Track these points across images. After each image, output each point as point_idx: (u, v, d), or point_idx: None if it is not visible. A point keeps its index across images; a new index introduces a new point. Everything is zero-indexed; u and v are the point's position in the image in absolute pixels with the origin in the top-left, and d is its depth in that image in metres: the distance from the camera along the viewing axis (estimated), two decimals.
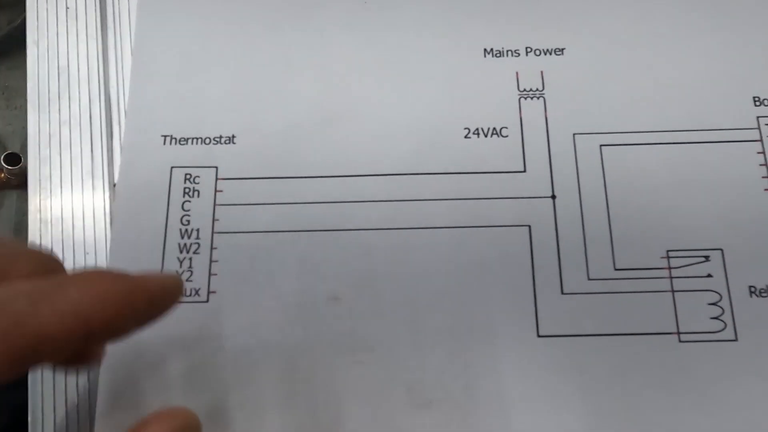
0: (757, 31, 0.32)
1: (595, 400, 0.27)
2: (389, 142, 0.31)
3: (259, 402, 0.28)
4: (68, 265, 0.30)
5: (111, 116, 0.32)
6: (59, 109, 0.32)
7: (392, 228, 0.30)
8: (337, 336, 0.28)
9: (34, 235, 0.30)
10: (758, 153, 0.30)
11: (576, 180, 0.30)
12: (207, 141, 0.31)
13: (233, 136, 0.31)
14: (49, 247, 0.30)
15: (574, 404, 0.27)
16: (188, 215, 0.30)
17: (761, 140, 0.30)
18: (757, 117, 0.31)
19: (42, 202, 0.31)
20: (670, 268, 0.29)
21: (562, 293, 0.29)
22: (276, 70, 0.32)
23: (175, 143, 0.31)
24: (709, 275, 0.29)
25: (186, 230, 0.30)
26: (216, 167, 0.31)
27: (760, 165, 0.30)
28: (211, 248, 0.30)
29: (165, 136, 0.32)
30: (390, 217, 0.30)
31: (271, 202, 0.30)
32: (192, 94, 0.32)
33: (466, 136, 0.31)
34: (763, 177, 0.30)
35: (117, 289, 0.20)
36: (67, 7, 0.34)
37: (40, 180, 0.31)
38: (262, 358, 0.28)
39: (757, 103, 0.31)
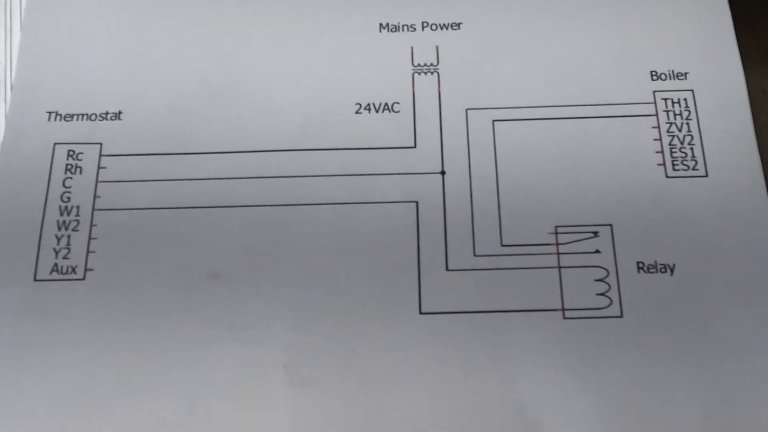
0: (654, 4, 0.31)
1: (475, 378, 0.26)
2: (277, 117, 0.30)
3: (135, 381, 0.27)
4: None
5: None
6: None
7: (276, 204, 0.29)
8: (216, 313, 0.28)
9: None
10: (653, 128, 0.30)
11: (467, 156, 0.29)
12: (93, 117, 0.31)
13: (120, 112, 0.31)
14: None
15: (455, 382, 0.26)
16: (69, 192, 0.29)
17: (656, 115, 0.30)
18: (654, 91, 0.30)
19: None
20: (557, 244, 0.28)
21: (447, 270, 0.28)
22: (164, 45, 0.32)
23: (60, 119, 0.31)
24: (597, 251, 0.28)
25: (66, 207, 0.29)
26: (100, 144, 0.30)
27: (654, 140, 0.29)
28: (91, 225, 0.29)
29: (50, 113, 0.31)
30: (274, 193, 0.29)
31: (154, 178, 0.30)
32: (79, 70, 0.31)
33: (357, 112, 0.30)
34: (656, 152, 0.29)
35: None
36: None
37: None
38: (140, 335, 0.27)
39: (654, 78, 0.30)
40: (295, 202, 0.29)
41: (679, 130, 0.30)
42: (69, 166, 0.30)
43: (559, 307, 0.27)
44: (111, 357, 0.27)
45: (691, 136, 0.29)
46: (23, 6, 0.33)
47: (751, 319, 0.27)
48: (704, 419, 0.26)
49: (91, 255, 0.29)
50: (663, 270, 0.27)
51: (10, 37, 0.33)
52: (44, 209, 0.29)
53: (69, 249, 0.29)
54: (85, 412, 0.27)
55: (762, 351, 0.26)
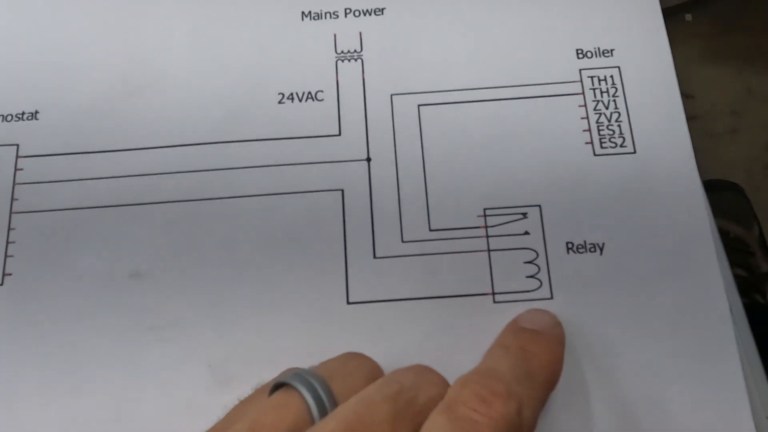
0: None
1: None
2: (199, 111, 0.30)
3: (58, 385, 0.26)
4: None
5: None
6: None
7: (199, 199, 0.28)
8: (139, 313, 0.27)
9: None
10: (580, 106, 0.29)
11: (393, 142, 0.29)
12: (9, 118, 0.30)
13: (36, 112, 0.30)
14: None
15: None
16: None
17: (583, 93, 0.29)
18: (580, 69, 0.30)
19: None
20: (486, 227, 0.27)
21: (375, 257, 0.27)
22: (81, 41, 0.31)
23: None
24: (527, 233, 0.27)
25: None
26: (17, 145, 0.29)
27: (582, 118, 0.29)
28: (9, 229, 0.28)
29: None
30: (197, 187, 0.28)
31: (73, 178, 0.29)
32: None
33: (279, 102, 0.30)
34: (584, 130, 0.29)
35: None
36: None
37: None
38: (61, 340, 0.26)
39: (580, 56, 0.30)
40: (219, 196, 0.28)
41: (606, 108, 0.29)
42: None
43: (489, 291, 0.27)
44: (33, 362, 0.26)
45: (619, 113, 0.29)
46: None
47: (678, 296, 0.26)
48: (634, 401, 0.25)
49: (9, 259, 0.28)
50: (592, 249, 0.27)
51: None
52: None
53: None
54: (8, 419, 0.26)
55: (688, 328, 0.26)
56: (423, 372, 0.22)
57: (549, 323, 0.24)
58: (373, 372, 0.23)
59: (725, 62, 0.36)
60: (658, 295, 0.26)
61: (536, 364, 0.23)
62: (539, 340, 0.23)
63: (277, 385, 0.22)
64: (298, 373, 0.21)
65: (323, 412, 0.21)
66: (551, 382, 0.23)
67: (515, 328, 0.24)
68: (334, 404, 0.21)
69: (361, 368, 0.23)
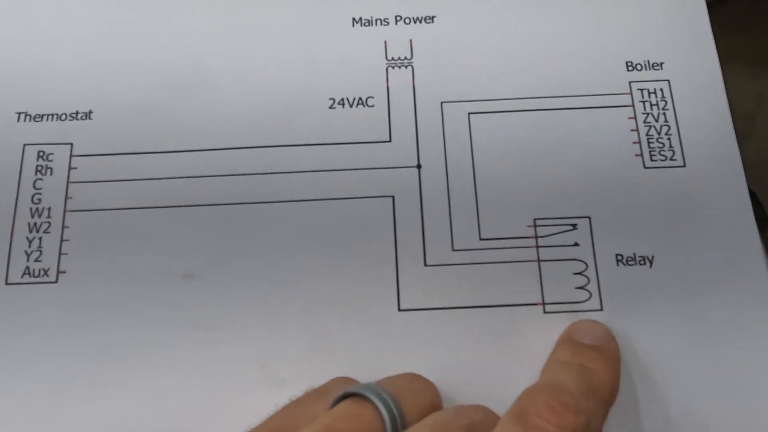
0: None
1: (455, 375, 0.26)
2: (250, 114, 0.30)
3: (109, 384, 0.27)
4: None
5: None
6: None
7: (250, 202, 0.28)
8: (191, 314, 0.27)
9: None
10: (630, 118, 0.29)
11: (443, 149, 0.29)
12: (63, 117, 0.30)
13: (90, 112, 0.30)
14: None
15: (435, 380, 0.26)
16: (39, 194, 0.29)
17: (633, 105, 0.29)
18: (630, 82, 0.30)
19: None
20: (536, 237, 0.28)
21: (425, 265, 0.27)
22: (134, 41, 0.31)
23: (30, 120, 0.30)
24: (576, 244, 0.28)
25: (36, 209, 0.29)
26: (71, 144, 0.30)
27: (632, 130, 0.29)
28: (63, 227, 0.28)
29: (19, 113, 0.30)
30: (248, 191, 0.29)
31: (126, 178, 0.29)
32: (48, 69, 0.31)
33: (330, 107, 0.30)
34: (634, 142, 0.29)
35: None
36: None
37: None
38: (113, 338, 0.27)
39: (630, 68, 0.30)
40: (269, 200, 0.29)
41: (656, 121, 0.29)
42: (39, 167, 0.29)
43: (540, 301, 0.27)
44: (84, 361, 0.27)
45: (668, 126, 0.29)
46: None
47: (728, 309, 0.26)
48: (684, 413, 0.25)
49: (63, 257, 0.28)
50: (642, 262, 0.27)
51: None
52: (15, 211, 0.29)
53: (41, 251, 0.28)
54: (58, 417, 0.26)
55: (739, 342, 0.26)
56: (488, 412, 0.23)
57: (604, 337, 0.25)
58: (437, 397, 0.24)
59: (737, 66, 0.36)
60: (707, 308, 0.26)
61: (597, 381, 0.23)
62: (598, 358, 0.24)
63: (344, 395, 0.22)
64: (369, 387, 0.22)
65: (394, 429, 0.21)
66: (612, 398, 0.23)
67: (572, 343, 0.25)
68: (404, 423, 0.21)
69: (427, 391, 0.23)
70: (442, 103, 0.30)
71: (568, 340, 0.25)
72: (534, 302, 0.27)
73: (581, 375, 0.23)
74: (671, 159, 0.29)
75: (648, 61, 0.30)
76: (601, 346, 0.24)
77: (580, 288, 0.27)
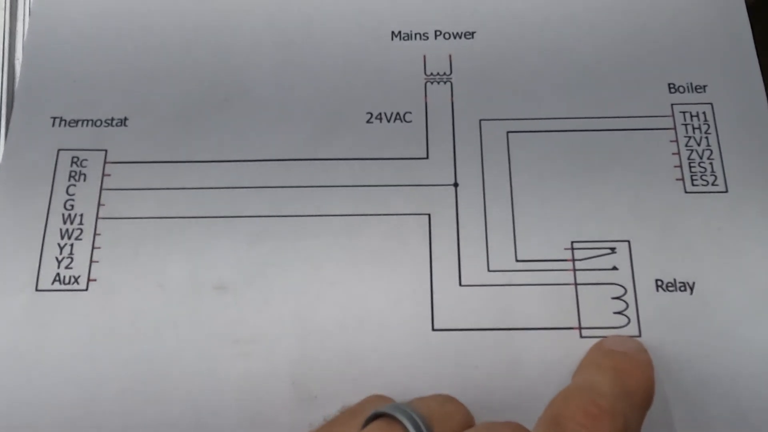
0: (671, 15, 0.31)
1: (489, 397, 0.25)
2: (286, 126, 0.29)
3: (139, 394, 0.26)
4: None
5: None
6: None
7: (284, 215, 0.28)
8: (222, 326, 0.27)
9: None
10: (671, 141, 0.29)
11: (480, 167, 0.29)
12: (98, 123, 0.30)
13: (125, 119, 0.30)
14: None
15: (468, 401, 0.25)
16: (72, 200, 0.29)
17: (674, 128, 0.29)
18: (672, 104, 0.29)
19: None
20: (573, 260, 0.27)
21: (461, 285, 0.27)
22: (171, 50, 0.31)
23: (65, 125, 0.30)
24: (615, 268, 0.27)
25: (69, 215, 0.28)
26: (105, 150, 0.29)
27: (673, 154, 0.29)
28: (95, 234, 0.28)
29: (54, 118, 0.30)
30: (282, 204, 0.28)
31: (160, 187, 0.29)
32: (85, 75, 0.31)
33: (368, 121, 0.30)
34: (675, 166, 0.28)
35: None
36: None
37: None
38: (143, 348, 0.26)
39: (672, 90, 0.30)
40: (303, 213, 0.28)
41: (698, 144, 0.29)
42: (73, 173, 0.29)
43: (576, 325, 0.26)
44: (114, 370, 0.26)
45: (711, 150, 0.29)
46: (28, 10, 0.32)
47: None
48: None
49: (94, 265, 0.28)
50: (682, 288, 0.27)
51: (14, 41, 0.32)
52: (47, 217, 0.28)
53: (72, 258, 0.28)
54: (87, 426, 0.26)
55: None
56: (520, 428, 0.22)
57: (636, 348, 0.24)
58: (468, 420, 0.23)
59: None
60: (749, 336, 0.26)
61: (632, 384, 0.22)
62: (631, 361, 0.23)
63: (375, 415, 0.22)
64: (401, 407, 0.21)
65: None
66: (647, 402, 0.23)
67: (604, 349, 0.24)
68: None
69: (459, 413, 0.23)
70: (480, 120, 0.29)
71: (599, 347, 0.24)
72: (570, 326, 0.26)
73: (615, 377, 0.22)
74: (713, 184, 0.28)
75: (691, 84, 0.30)
76: (633, 354, 0.24)
77: (618, 313, 0.26)
